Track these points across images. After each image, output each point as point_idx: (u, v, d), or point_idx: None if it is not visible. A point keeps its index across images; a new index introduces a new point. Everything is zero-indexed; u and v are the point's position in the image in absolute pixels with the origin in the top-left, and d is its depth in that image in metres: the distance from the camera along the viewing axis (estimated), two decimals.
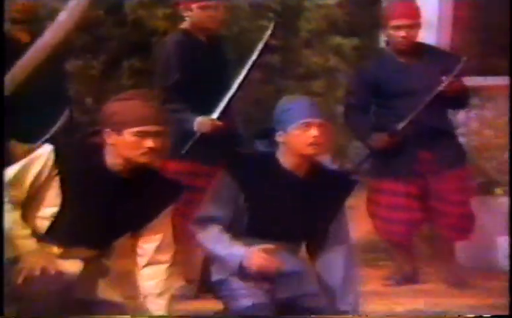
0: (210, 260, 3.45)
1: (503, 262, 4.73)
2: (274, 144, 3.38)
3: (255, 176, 3.35)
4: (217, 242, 3.31)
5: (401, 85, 4.62)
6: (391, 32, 4.66)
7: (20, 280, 2.94)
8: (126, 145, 3.03)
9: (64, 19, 3.17)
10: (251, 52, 4.33)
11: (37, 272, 2.93)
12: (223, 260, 3.32)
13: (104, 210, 3.08)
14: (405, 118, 4.58)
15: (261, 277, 3.29)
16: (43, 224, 3.07)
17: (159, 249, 3.21)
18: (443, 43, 5.80)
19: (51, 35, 3.19)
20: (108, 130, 3.05)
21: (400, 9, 4.65)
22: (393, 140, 4.62)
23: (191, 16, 4.42)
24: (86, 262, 3.14)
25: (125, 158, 3.06)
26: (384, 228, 4.73)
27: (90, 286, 3.16)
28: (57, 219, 3.06)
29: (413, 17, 4.66)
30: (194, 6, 4.38)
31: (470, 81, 6.77)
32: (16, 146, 4.02)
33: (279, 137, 3.36)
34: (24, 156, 3.63)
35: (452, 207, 4.66)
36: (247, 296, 3.30)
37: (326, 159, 3.52)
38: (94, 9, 5.58)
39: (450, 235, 4.73)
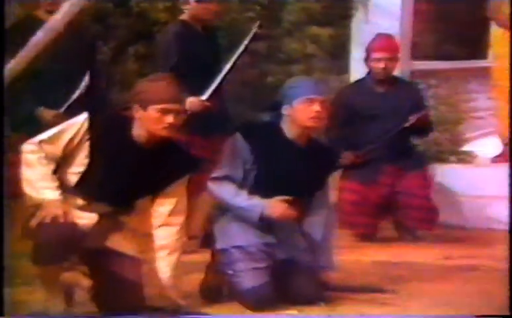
0: (212, 222, 3.44)
1: (455, 220, 4.84)
2: (279, 116, 3.37)
3: (263, 142, 3.34)
4: (237, 195, 3.30)
5: (375, 109, 4.67)
6: (373, 63, 4.70)
7: (33, 223, 2.99)
8: (150, 120, 3.06)
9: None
10: (240, 39, 4.34)
11: (48, 219, 2.96)
12: (244, 210, 3.30)
13: (126, 174, 3.11)
14: (374, 142, 4.63)
15: (280, 224, 3.30)
16: (72, 178, 3.11)
17: (172, 212, 3.21)
18: (406, 32, 5.87)
19: (62, 15, 3.20)
20: (136, 106, 3.09)
21: (381, 44, 4.69)
22: (359, 160, 4.68)
23: (189, 8, 4.44)
24: (103, 216, 3.15)
25: (149, 131, 3.09)
26: (346, 220, 4.68)
27: (102, 237, 3.16)
28: (84, 176, 3.10)
29: (392, 51, 4.71)
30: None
31: (429, 64, 6.89)
32: (44, 112, 4.05)
33: (285, 110, 3.34)
34: (53, 120, 3.82)
35: (418, 200, 4.67)
36: (248, 277, 3.29)
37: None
38: (104, 2, 5.63)
39: (417, 226, 4.71)
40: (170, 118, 3.05)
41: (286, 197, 3.29)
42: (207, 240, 3.48)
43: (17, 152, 3.98)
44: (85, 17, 4.93)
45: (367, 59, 4.75)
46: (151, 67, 4.99)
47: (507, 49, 5.48)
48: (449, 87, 6.25)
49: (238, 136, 3.35)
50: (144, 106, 3.06)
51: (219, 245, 3.40)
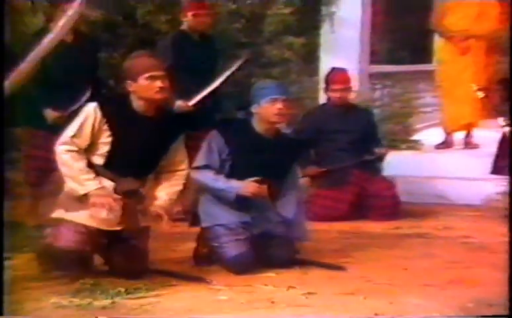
0: (197, 204, 3.45)
1: (405, 197, 4.89)
2: (250, 114, 3.41)
3: (236, 136, 3.37)
4: (217, 180, 3.34)
5: (336, 127, 4.66)
6: (330, 93, 4.70)
7: (93, 213, 3.04)
8: (142, 88, 3.08)
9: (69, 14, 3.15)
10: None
11: (100, 207, 3.00)
12: (223, 191, 3.33)
13: (139, 143, 3.11)
14: (337, 156, 4.63)
15: (253, 201, 3.32)
16: (100, 160, 3.12)
17: (176, 162, 3.23)
18: (365, 40, 5.92)
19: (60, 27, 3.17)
20: (128, 81, 3.10)
21: (337, 77, 4.67)
22: (322, 173, 4.66)
23: (187, 20, 4.50)
24: (131, 194, 3.13)
25: (144, 99, 3.10)
26: (315, 219, 4.46)
27: (134, 219, 3.15)
28: (110, 155, 3.10)
29: (346, 83, 4.69)
30: (189, 13, 4.47)
31: (384, 68, 6.95)
32: (50, 113, 3.96)
33: (254, 109, 3.38)
34: (57, 121, 3.79)
35: (386, 201, 4.61)
36: (231, 247, 3.30)
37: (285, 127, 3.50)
38: (114, 15, 5.64)
39: (383, 220, 4.57)
40: (159, 83, 3.07)
41: (257, 178, 3.32)
42: (194, 220, 3.49)
43: (27, 145, 4.02)
44: (92, 28, 4.95)
45: (326, 90, 4.75)
46: None
47: (448, 55, 5.64)
48: (401, 87, 6.34)
49: (214, 132, 3.38)
50: (135, 80, 3.09)
51: (204, 224, 3.43)
